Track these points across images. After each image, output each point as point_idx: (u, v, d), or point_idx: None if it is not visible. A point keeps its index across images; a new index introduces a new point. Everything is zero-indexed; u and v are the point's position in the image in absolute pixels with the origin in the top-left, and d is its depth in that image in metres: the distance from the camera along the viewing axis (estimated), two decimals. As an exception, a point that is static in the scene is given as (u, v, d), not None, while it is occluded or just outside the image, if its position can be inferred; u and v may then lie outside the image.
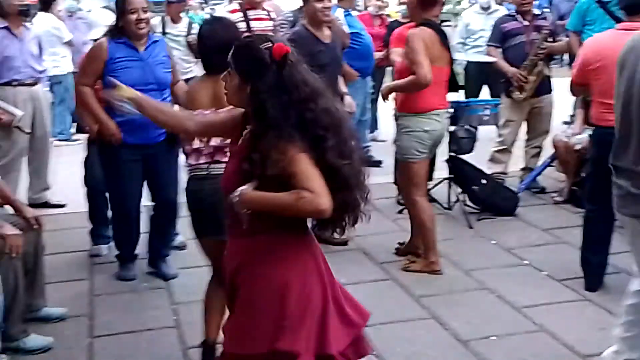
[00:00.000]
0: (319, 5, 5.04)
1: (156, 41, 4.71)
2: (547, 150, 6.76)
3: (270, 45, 2.48)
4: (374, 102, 8.33)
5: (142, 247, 5.01)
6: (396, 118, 5.08)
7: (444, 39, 4.75)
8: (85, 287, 4.84)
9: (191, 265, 4.86)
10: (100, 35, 4.93)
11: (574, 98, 6.73)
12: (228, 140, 3.24)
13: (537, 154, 6.81)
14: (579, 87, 4.68)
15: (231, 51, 2.57)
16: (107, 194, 5.01)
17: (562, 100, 7.03)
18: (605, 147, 4.41)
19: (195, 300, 3.88)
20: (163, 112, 2.94)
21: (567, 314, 4.31)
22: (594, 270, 4.60)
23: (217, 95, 3.40)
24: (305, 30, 5.10)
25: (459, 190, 6.13)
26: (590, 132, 6.08)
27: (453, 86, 5.00)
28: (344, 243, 5.24)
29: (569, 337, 4.00)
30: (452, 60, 4.87)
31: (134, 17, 4.40)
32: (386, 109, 5.29)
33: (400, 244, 5.27)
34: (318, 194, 2.38)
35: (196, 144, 3.47)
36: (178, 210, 4.79)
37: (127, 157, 4.57)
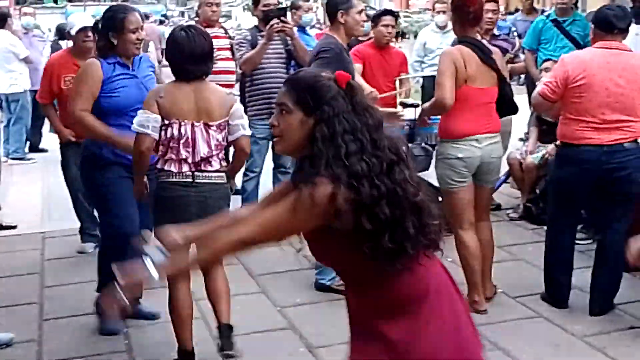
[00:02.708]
0: (359, 17, 4.77)
1: (141, 57, 4.43)
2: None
3: (330, 75, 2.35)
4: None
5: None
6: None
7: (486, 57, 4.45)
8: (35, 311, 4.74)
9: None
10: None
11: (528, 116, 6.78)
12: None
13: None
14: (549, 103, 4.48)
15: (284, 88, 2.35)
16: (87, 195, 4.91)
17: (517, 118, 7.06)
18: (572, 166, 4.36)
19: (148, 324, 3.80)
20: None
21: (522, 331, 4.32)
22: (562, 290, 4.59)
23: (199, 99, 3.70)
24: (339, 43, 4.75)
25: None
26: (544, 151, 6.19)
27: (509, 108, 4.70)
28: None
29: (523, 354, 4.00)
30: (501, 80, 4.56)
31: (133, 36, 4.19)
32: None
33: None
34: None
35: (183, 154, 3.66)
36: None
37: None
